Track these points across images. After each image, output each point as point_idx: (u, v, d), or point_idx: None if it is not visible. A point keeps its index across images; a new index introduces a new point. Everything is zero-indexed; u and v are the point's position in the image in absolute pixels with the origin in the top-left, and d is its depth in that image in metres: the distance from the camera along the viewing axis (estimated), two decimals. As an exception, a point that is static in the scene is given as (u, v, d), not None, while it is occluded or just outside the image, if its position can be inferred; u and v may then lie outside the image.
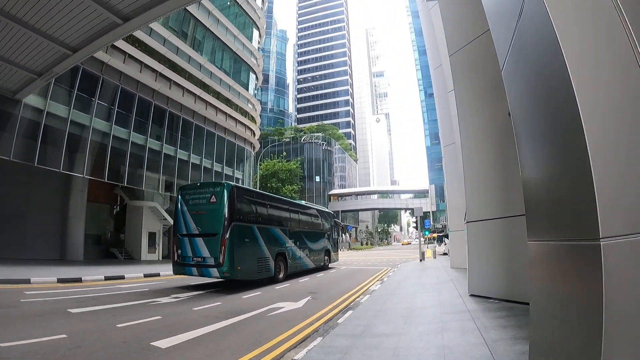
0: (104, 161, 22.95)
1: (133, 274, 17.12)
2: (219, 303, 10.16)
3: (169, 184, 28.65)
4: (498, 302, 8.02)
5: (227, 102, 33.42)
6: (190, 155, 29.24)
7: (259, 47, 43.26)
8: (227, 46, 34.47)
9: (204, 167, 30.62)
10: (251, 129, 37.30)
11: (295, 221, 18.44)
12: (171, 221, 23.87)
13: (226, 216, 12.64)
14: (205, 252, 12.67)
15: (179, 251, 13.24)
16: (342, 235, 72.39)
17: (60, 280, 13.44)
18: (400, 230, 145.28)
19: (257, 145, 41.34)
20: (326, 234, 22.64)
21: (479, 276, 8.92)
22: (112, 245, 29.93)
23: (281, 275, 15.69)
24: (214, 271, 12.58)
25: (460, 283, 11.74)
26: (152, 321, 7.64)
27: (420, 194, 74.98)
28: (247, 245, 13.74)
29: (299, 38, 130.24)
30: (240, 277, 13.27)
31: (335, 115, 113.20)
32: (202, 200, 13.28)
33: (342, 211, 76.18)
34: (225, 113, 33.05)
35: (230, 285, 13.90)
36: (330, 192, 78.58)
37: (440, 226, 72.54)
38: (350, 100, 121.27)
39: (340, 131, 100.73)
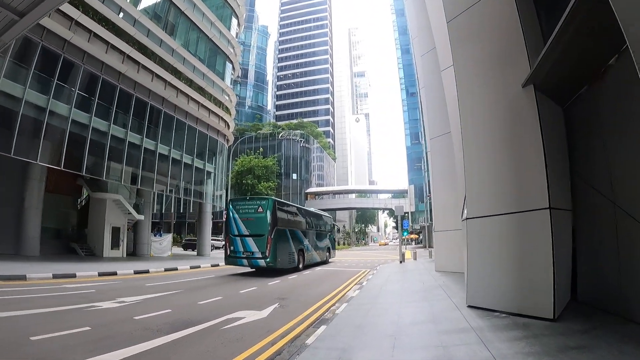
0: (61, 147, 20.80)
1: (87, 272, 15.81)
2: (168, 310, 8.52)
3: (135, 175, 26.63)
4: (506, 316, 6.57)
5: (200, 90, 31.41)
6: (158, 145, 27.13)
7: (237, 37, 41.33)
8: (202, 32, 32.51)
9: (173, 158, 28.53)
10: (225, 121, 35.32)
11: (309, 225, 23.77)
12: (137, 215, 27.96)
13: (270, 222, 17.62)
14: (254, 248, 17.58)
15: (232, 247, 18.21)
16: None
17: (2, 278, 12.29)
18: (378, 230, 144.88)
19: (232, 138, 39.41)
20: (328, 235, 28.58)
21: (481, 283, 7.45)
22: (73, 241, 27.98)
23: (301, 266, 20.82)
24: (262, 262, 17.36)
25: (451, 290, 10.34)
26: (76, 334, 6.15)
27: (399, 194, 74.04)
28: (283, 243, 18.70)
29: (281, 34, 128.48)
30: (279, 267, 17.91)
31: (314, 113, 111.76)
32: (250, 210, 18.30)
33: (320, 210, 74.50)
34: (198, 102, 31.04)
35: (198, 287, 13.15)
36: (308, 191, 76.88)
37: (419, 227, 71.95)
38: (331, 98, 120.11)
39: (320, 129, 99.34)
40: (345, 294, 11.63)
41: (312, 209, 28.43)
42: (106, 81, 23.30)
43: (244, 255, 17.92)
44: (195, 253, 37.41)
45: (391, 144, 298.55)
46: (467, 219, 7.59)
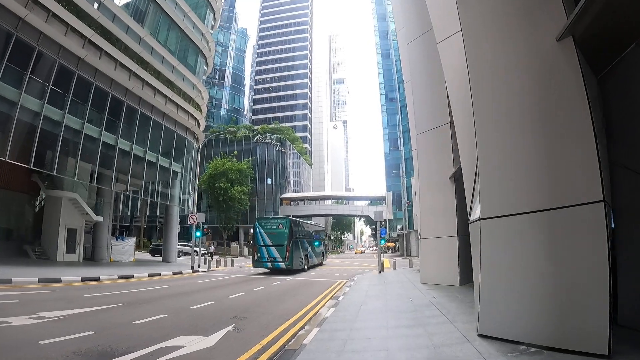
0: (7, 136, 18.35)
1: (27, 277, 14.26)
2: (90, 333, 6.64)
3: (92, 172, 24.32)
4: (537, 351, 4.85)
5: (169, 84, 29.23)
6: (119, 140, 24.77)
7: (212, 32, 39.28)
8: (174, 22, 30.42)
9: (135, 154, 26.15)
10: (195, 118, 33.11)
11: (312, 236, 31.58)
12: (94, 216, 27.47)
13: (288, 235, 24.00)
14: (276, 255, 23.71)
15: (258, 254, 24.39)
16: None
17: None
18: (354, 238, 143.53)
19: (202, 137, 37.16)
20: (323, 242, 37.14)
21: (498, 305, 5.67)
22: (27, 242, 25.75)
23: (306, 267, 27.34)
24: (282, 264, 23.51)
25: (449, 310, 8.60)
26: None
27: (376, 201, 72.65)
28: (296, 251, 25.09)
29: (260, 38, 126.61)
30: (295, 268, 24.14)
31: (292, 118, 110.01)
32: (273, 226, 24.84)
33: (294, 216, 72.31)
34: (165, 96, 28.82)
35: (145, 300, 11.37)
36: (283, 196, 74.57)
37: (396, 235, 70.57)
38: (309, 104, 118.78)
39: (297, 135, 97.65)
40: (317, 311, 9.87)
41: (311, 223, 38.89)
42: (63, 66, 21.03)
43: (268, 260, 24.18)
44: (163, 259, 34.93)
45: (369, 153, 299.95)
46: (480, 219, 5.84)
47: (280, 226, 24.90)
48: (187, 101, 31.48)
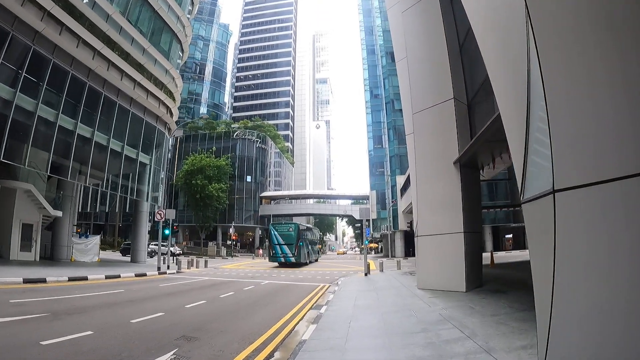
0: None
1: None
2: None
3: (55, 162, 21.82)
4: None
5: (139, 67, 26.67)
6: (78, 125, 22.15)
7: (190, 17, 36.75)
8: (147, 2, 27.86)
9: (97, 142, 23.47)
10: (167, 106, 30.54)
11: (311, 237, 40.11)
12: (52, 211, 24.75)
13: (296, 237, 31.73)
14: (287, 252, 31.34)
15: (273, 251, 32.37)
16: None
17: None
18: (336, 239, 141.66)
19: (174, 127, 34.64)
20: (318, 242, 48.19)
21: (588, 325, 3.39)
22: None
23: (308, 262, 35.48)
24: (292, 259, 31.30)
25: (472, 330, 6.42)
26: None
27: (360, 200, 70.75)
28: (302, 249, 32.91)
29: (243, 34, 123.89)
30: (302, 261, 32.47)
31: (274, 116, 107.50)
32: (284, 229, 32.86)
33: (275, 215, 69.95)
34: (134, 80, 26.23)
35: (79, 308, 9.06)
36: (263, 194, 71.88)
37: (379, 236, 68.63)
38: (291, 102, 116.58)
39: (279, 133, 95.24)
40: (293, 328, 7.72)
41: (309, 226, 47.42)
42: (18, 39, 18.44)
43: (281, 256, 31.81)
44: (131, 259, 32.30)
45: (351, 155, 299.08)
46: (553, 191, 3.64)
47: (290, 229, 33.06)
48: (159, 87, 28.95)
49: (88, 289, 13.10)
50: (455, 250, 11.48)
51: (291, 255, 31.40)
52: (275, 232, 32.48)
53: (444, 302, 9.78)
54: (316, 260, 41.09)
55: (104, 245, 50.22)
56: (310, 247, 37.62)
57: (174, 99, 31.61)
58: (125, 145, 25.82)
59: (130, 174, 28.14)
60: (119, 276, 18.56)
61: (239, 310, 9.93)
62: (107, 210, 56.19)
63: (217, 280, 18.57)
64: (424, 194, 13.03)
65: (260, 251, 58.83)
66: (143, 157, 28.07)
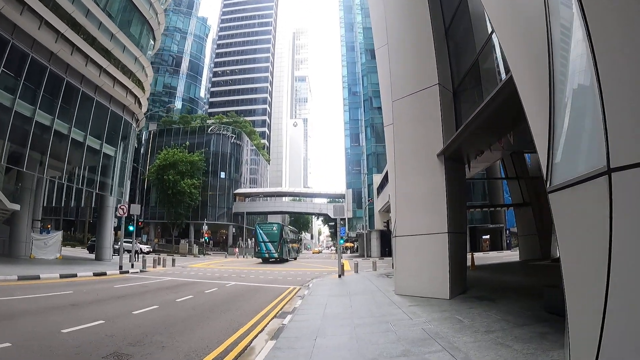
0: None
1: None
2: None
3: (15, 152, 20.26)
4: None
5: (105, 53, 25.15)
6: (37, 112, 20.63)
7: (165, 6, 35.24)
8: (116, -16, 26.39)
9: (56, 130, 21.96)
10: (135, 95, 29.02)
11: (292, 237, 45.11)
12: (8, 204, 21.24)
13: (279, 235, 36.48)
14: (271, 249, 35.78)
15: (258, 248, 37.23)
16: (246, 241, 65.15)
17: None
18: (312, 238, 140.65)
19: (142, 118, 33.09)
20: (298, 242, 52.96)
21: None
22: None
23: (289, 258, 39.76)
24: (275, 255, 35.83)
25: (465, 353, 5.39)
26: None
27: (336, 199, 69.94)
28: (284, 246, 37.42)
29: (222, 29, 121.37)
30: (284, 258, 37.16)
31: (251, 112, 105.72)
32: (269, 229, 37.53)
33: (249, 213, 68.38)
34: (100, 66, 24.70)
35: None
36: (236, 191, 70.09)
37: (355, 235, 67.89)
38: (269, 98, 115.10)
39: (256, 130, 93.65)
40: (249, 344, 6.58)
41: (291, 227, 52.72)
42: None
43: (266, 252, 35.89)
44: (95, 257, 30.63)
45: (328, 154, 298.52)
46: (608, 172, 2.89)
47: (274, 228, 37.65)
48: (127, 75, 27.42)
49: (35, 290, 11.83)
50: (438, 253, 10.43)
51: (274, 252, 35.83)
52: (261, 231, 37.02)
53: (427, 312, 8.64)
54: (295, 259, 44.54)
55: (74, 242, 47.98)
56: (290, 246, 42.51)
57: (143, 89, 30.09)
58: (88, 136, 24.29)
59: (95, 167, 26.63)
60: (75, 275, 17.22)
61: (191, 318, 8.72)
62: (72, 205, 53.87)
63: (180, 281, 17.28)
64: (404, 189, 11.83)
65: (237, 250, 57.22)
66: (107, 149, 26.53)
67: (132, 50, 28.20)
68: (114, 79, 26.13)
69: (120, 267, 21.36)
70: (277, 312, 9.73)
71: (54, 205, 45.91)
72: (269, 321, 8.58)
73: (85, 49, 23.37)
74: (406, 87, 11.80)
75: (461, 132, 8.92)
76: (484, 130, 8.65)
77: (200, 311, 9.70)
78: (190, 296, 12.14)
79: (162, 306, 10.03)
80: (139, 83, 29.01)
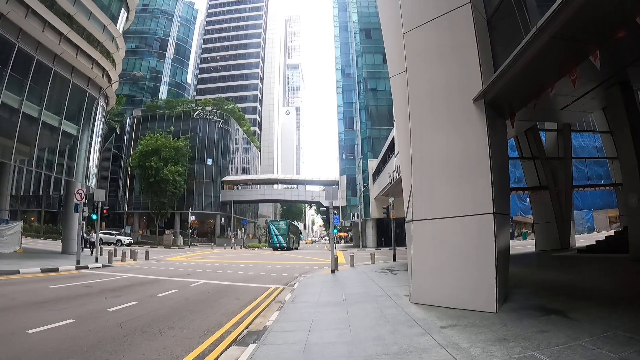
0: None
1: None
2: None
3: None
4: None
5: (68, 18, 22.07)
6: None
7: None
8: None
9: (5, 103, 18.96)
10: (103, 68, 25.87)
11: (295, 230, 61.45)
12: None
13: (287, 230, 50.08)
14: (281, 240, 48.63)
15: (271, 240, 50.00)
16: (236, 231, 62.30)
17: None
18: (305, 228, 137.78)
19: (112, 96, 29.98)
20: (299, 234, 69.05)
21: None
22: None
23: (293, 248, 51.60)
24: (284, 245, 48.21)
25: None
26: None
27: (329, 186, 67.17)
28: (290, 238, 51.31)
29: (210, 14, 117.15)
30: (290, 247, 49.58)
31: (241, 99, 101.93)
32: (279, 225, 51.30)
33: (237, 202, 65.26)
34: (60, 33, 21.61)
35: None
36: (225, 179, 66.60)
37: (349, 224, 65.22)
38: (260, 85, 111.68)
39: (247, 117, 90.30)
40: None
41: (295, 224, 69.52)
42: None
43: (277, 243, 47.71)
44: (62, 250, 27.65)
45: (322, 143, 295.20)
46: None
47: (283, 225, 50.26)
48: (93, 46, 24.30)
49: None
50: (480, 244, 7.34)
51: (284, 243, 47.90)
52: (273, 226, 50.16)
53: (477, 342, 5.30)
54: (296, 249, 53.16)
55: (55, 235, 44.18)
56: (294, 237, 56.32)
57: (113, 63, 26.94)
58: (44, 110, 21.22)
59: (60, 149, 23.65)
60: (17, 272, 14.38)
61: (104, 346, 5.65)
62: (48, 194, 50.70)
63: (138, 280, 14.31)
64: (423, 154, 8.43)
65: (233, 239, 55.06)
66: (68, 126, 23.46)
67: (100, 17, 25.07)
68: (77, 47, 23.01)
69: (78, 262, 18.48)
70: (239, 333, 6.77)
71: (23, 193, 42.95)
72: (221, 353, 5.60)
73: (42, 12, 20.26)
74: (424, 12, 8.61)
75: (512, 62, 6.02)
76: (549, 57, 5.84)
77: (128, 330, 6.60)
78: (133, 302, 9.21)
79: (78, 320, 7.12)
80: (107, 54, 25.83)
